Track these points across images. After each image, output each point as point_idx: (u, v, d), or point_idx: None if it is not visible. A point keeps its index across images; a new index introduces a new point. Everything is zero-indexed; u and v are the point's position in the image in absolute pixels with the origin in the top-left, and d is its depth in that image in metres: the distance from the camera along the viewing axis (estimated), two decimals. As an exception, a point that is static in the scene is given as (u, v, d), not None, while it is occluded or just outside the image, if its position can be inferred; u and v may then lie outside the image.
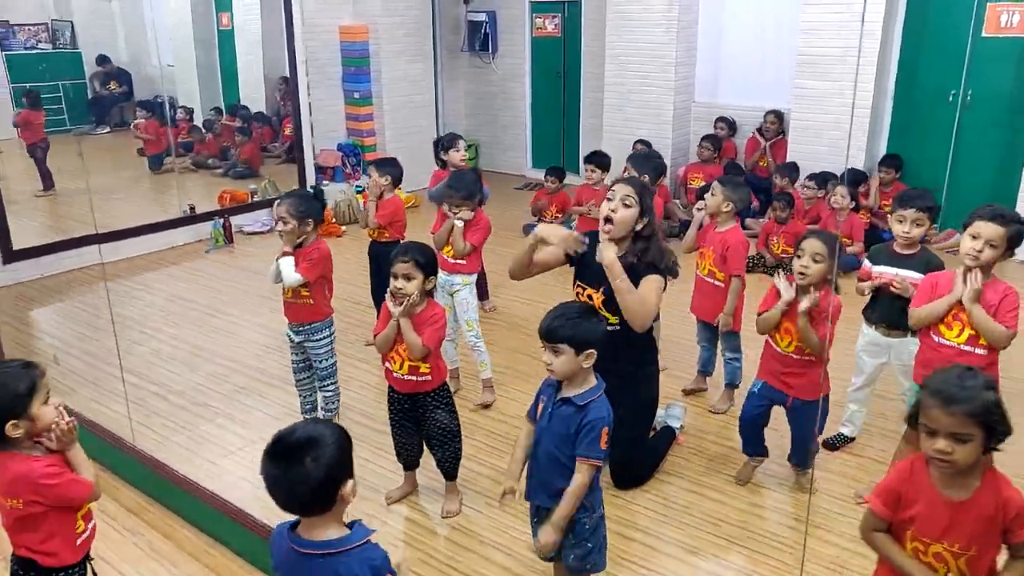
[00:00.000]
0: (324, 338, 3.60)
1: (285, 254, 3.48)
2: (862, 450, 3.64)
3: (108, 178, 8.51)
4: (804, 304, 2.92)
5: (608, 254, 2.92)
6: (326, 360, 3.64)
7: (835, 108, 6.62)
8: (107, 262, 6.42)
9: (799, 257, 3.02)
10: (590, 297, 3.11)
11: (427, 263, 2.97)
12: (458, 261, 4.02)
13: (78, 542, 2.18)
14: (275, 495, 1.68)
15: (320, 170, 8.02)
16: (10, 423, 1.99)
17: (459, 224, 3.93)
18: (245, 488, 3.38)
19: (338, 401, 3.76)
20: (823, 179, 6.32)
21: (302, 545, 1.71)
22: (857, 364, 3.54)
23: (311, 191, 3.76)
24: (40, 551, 2.12)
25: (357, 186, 7.85)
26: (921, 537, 1.88)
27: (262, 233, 7.32)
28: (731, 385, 4.03)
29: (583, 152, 8.66)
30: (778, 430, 3.40)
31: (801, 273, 2.99)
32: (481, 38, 9.04)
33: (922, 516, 1.87)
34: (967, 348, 2.85)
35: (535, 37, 8.93)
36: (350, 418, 3.90)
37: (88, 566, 2.26)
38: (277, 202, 3.57)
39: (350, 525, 1.75)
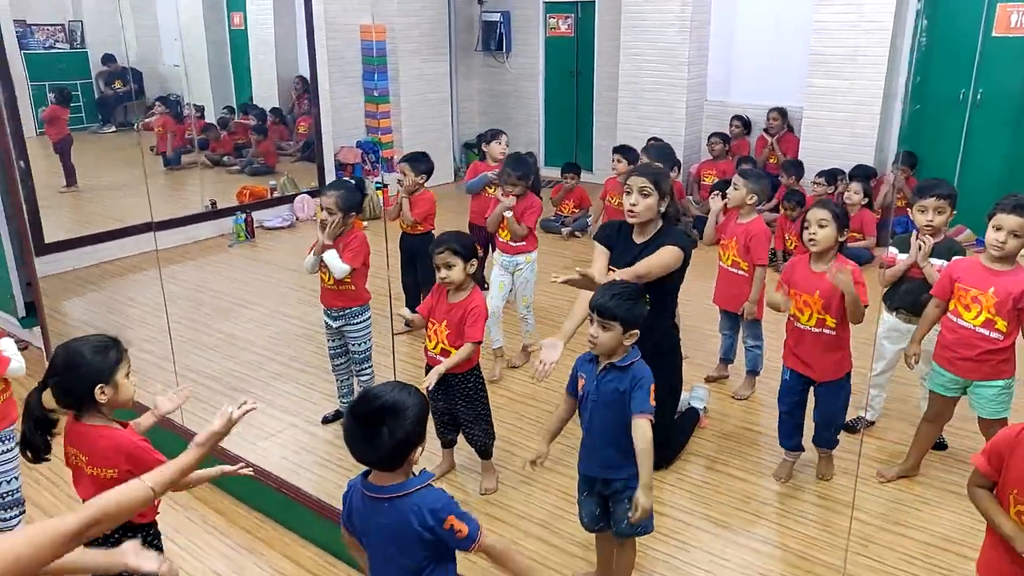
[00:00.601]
0: (362, 322, 3.74)
1: (325, 247, 3.61)
2: (883, 433, 3.77)
3: (124, 175, 8.66)
4: (832, 274, 2.98)
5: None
6: (364, 343, 3.77)
7: (846, 106, 6.77)
8: (133, 255, 6.56)
9: (807, 228, 3.14)
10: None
11: (463, 248, 3.12)
12: (519, 243, 4.26)
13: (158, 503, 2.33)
14: (351, 449, 1.84)
15: (340, 167, 8.16)
16: (99, 387, 2.13)
17: (508, 215, 4.15)
18: (288, 468, 3.53)
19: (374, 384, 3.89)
20: (832, 175, 6.47)
21: (371, 490, 1.87)
22: (878, 350, 3.66)
23: (353, 183, 3.88)
24: (133, 513, 2.26)
25: (376, 183, 7.99)
26: (1023, 499, 1.96)
27: (283, 228, 7.47)
28: (752, 372, 4.16)
29: (596, 150, 8.84)
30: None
31: (812, 240, 3.11)
32: (496, 38, 9.18)
33: (1021, 480, 1.95)
34: (982, 331, 3.00)
35: (548, 37, 9.07)
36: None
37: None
38: (323, 193, 3.69)
39: (417, 473, 1.91)
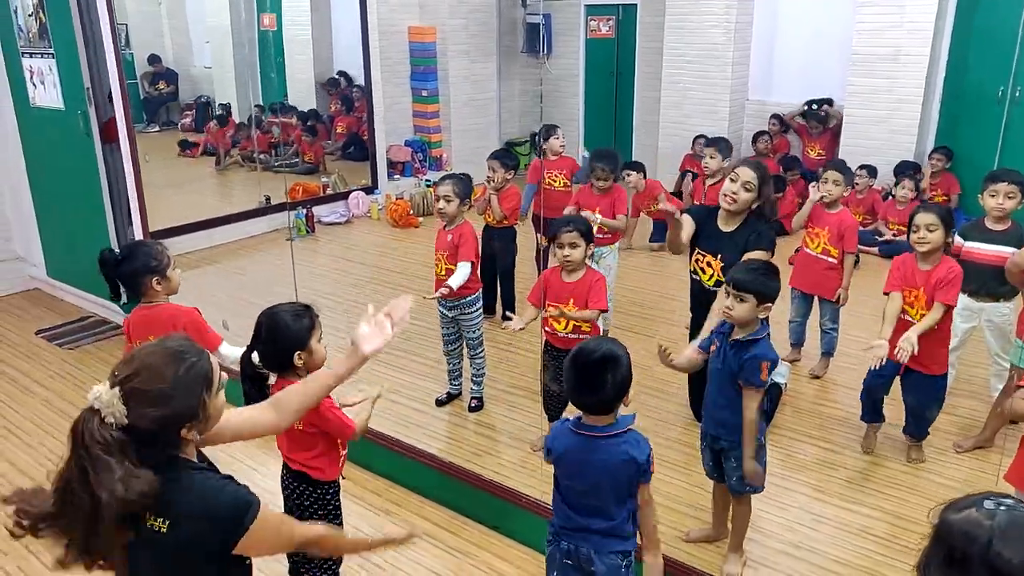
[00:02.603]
0: (475, 310, 3.95)
1: (442, 284, 3.81)
2: (953, 409, 3.99)
3: (175, 173, 8.94)
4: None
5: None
6: (477, 330, 3.98)
7: (887, 105, 7.01)
8: (203, 248, 6.82)
9: (915, 231, 3.32)
10: (709, 264, 3.47)
11: (587, 232, 3.36)
12: (606, 235, 4.48)
13: (339, 464, 2.58)
14: (574, 396, 2.11)
15: (391, 165, 8.41)
16: (296, 352, 2.38)
17: (596, 218, 4.32)
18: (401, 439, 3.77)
19: (486, 367, 4.10)
20: (874, 168, 6.71)
21: (588, 430, 2.14)
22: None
23: (463, 175, 4.13)
24: (310, 466, 2.51)
25: (425, 180, 8.23)
26: None
27: (339, 224, 7.72)
28: (827, 353, 4.38)
29: (635, 149, 9.06)
30: (894, 399, 3.70)
31: (921, 242, 3.29)
32: (537, 40, 9.42)
33: None
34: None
35: (589, 38, 9.32)
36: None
37: (339, 483, 2.65)
38: (437, 184, 3.94)
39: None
